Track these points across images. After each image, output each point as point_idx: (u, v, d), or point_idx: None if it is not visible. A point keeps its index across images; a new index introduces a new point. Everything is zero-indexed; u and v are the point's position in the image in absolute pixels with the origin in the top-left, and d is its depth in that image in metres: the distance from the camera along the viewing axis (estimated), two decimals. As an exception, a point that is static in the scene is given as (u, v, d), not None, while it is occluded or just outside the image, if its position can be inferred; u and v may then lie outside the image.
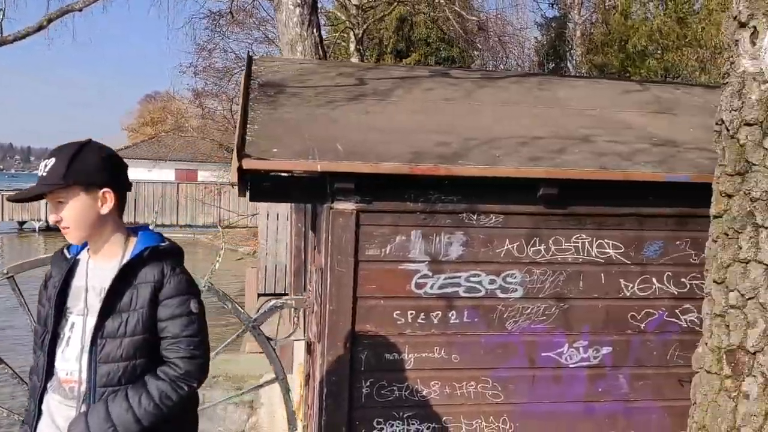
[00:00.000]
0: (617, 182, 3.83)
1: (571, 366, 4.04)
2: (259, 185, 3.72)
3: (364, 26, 19.06)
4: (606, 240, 4.00)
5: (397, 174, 3.63)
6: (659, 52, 21.85)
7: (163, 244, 2.45)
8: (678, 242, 4.04)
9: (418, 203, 3.83)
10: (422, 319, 3.89)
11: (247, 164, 3.45)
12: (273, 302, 3.84)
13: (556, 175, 3.73)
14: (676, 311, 4.09)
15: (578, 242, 3.98)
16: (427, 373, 3.93)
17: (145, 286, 2.32)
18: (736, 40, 2.81)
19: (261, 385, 4.29)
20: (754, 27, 2.72)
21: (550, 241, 3.96)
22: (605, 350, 4.06)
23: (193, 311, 2.37)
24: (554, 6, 26.64)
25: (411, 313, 3.88)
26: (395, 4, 19.49)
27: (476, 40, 22.45)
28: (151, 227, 3.10)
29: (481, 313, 3.95)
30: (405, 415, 3.91)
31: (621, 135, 4.42)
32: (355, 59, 18.82)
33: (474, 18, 19.19)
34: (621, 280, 4.03)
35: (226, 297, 3.75)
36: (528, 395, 4.01)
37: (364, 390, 3.86)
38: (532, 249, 3.95)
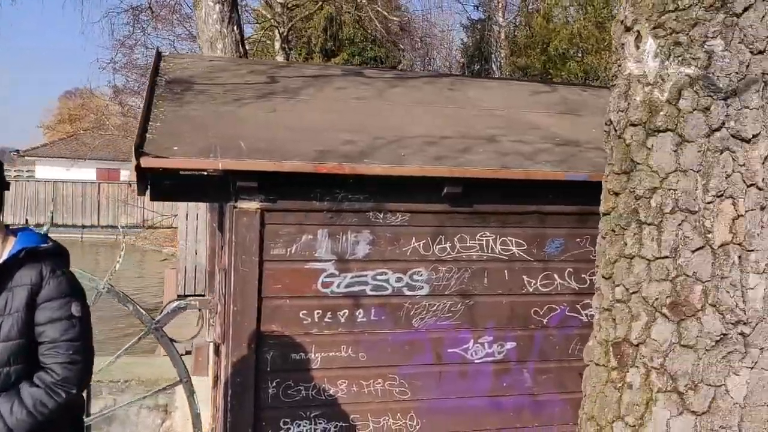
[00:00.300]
0: (519, 181, 3.92)
1: (476, 361, 4.12)
2: (160, 184, 3.65)
3: (290, 25, 18.90)
4: (509, 237, 4.09)
5: (302, 172, 3.61)
6: (579, 55, 22.56)
7: (43, 245, 2.36)
8: (578, 239, 4.17)
9: (324, 202, 3.83)
10: (329, 318, 3.89)
11: (146, 162, 3.37)
12: (176, 303, 3.76)
13: (459, 174, 3.78)
14: (577, 306, 4.22)
15: (482, 240, 4.06)
16: (334, 372, 3.92)
17: (22, 289, 2.22)
18: (623, 44, 2.91)
19: (164, 388, 4.20)
20: (638, 31, 2.82)
21: (456, 239, 4.02)
22: (509, 345, 4.15)
23: (75, 314, 2.28)
24: (479, 8, 27.11)
25: (317, 313, 3.87)
26: (320, 2, 19.41)
27: (400, 41, 22.60)
28: (45, 229, 3.00)
29: (388, 311, 3.97)
30: (312, 415, 3.90)
31: (526, 135, 4.53)
32: (280, 58, 18.65)
33: (396, 18, 19.29)
34: (524, 277, 4.13)
35: (126, 299, 3.65)
36: (435, 391, 4.06)
37: (270, 390, 3.83)
38: (437, 247, 4.00)
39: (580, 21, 22.66)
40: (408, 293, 3.98)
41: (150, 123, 3.93)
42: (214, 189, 3.80)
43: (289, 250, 3.80)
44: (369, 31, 20.74)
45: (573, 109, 5.44)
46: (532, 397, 4.23)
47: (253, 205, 3.70)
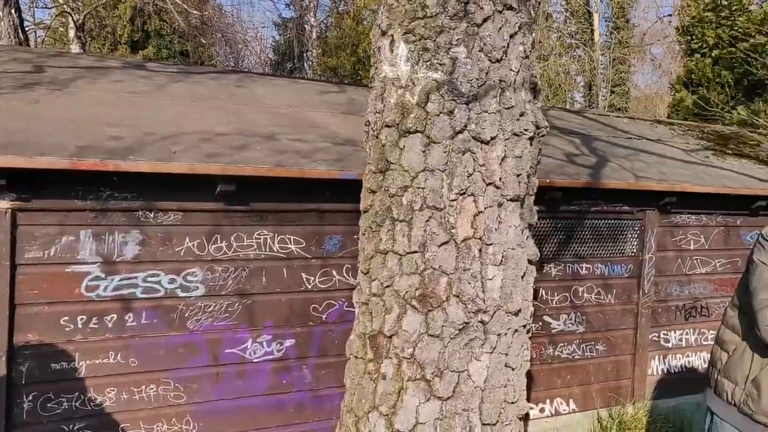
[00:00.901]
0: (296, 179, 3.94)
1: (255, 361, 4.09)
2: None
3: (85, 12, 17.67)
4: (288, 235, 4.11)
5: (58, 169, 3.37)
6: (387, 57, 23.18)
7: None
8: (355, 236, 4.27)
9: (87, 201, 3.61)
10: (95, 324, 3.68)
11: None
12: None
13: (232, 172, 3.73)
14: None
15: (260, 238, 4.04)
16: (101, 380, 3.72)
17: None
18: (379, 47, 3.02)
19: None
20: (392, 36, 2.94)
21: (232, 238, 3.97)
22: (288, 342, 4.17)
23: None
24: (290, 7, 27.09)
25: (82, 318, 3.65)
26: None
27: (203, 35, 22.01)
28: None
29: (160, 313, 3.83)
30: (76, 427, 3.66)
31: (306, 134, 4.57)
32: (75, 47, 17.39)
33: (197, 12, 18.76)
34: (303, 274, 4.17)
35: None
36: (212, 393, 3.98)
37: (25, 405, 3.54)
38: (213, 246, 3.92)
39: (388, 25, 23.24)
40: (182, 294, 3.87)
41: None
42: (-43, 187, 3.44)
43: (47, 252, 3.54)
44: (171, 24, 19.95)
45: (358, 109, 5.57)
46: (312, 393, 4.28)
47: (2, 204, 3.41)
